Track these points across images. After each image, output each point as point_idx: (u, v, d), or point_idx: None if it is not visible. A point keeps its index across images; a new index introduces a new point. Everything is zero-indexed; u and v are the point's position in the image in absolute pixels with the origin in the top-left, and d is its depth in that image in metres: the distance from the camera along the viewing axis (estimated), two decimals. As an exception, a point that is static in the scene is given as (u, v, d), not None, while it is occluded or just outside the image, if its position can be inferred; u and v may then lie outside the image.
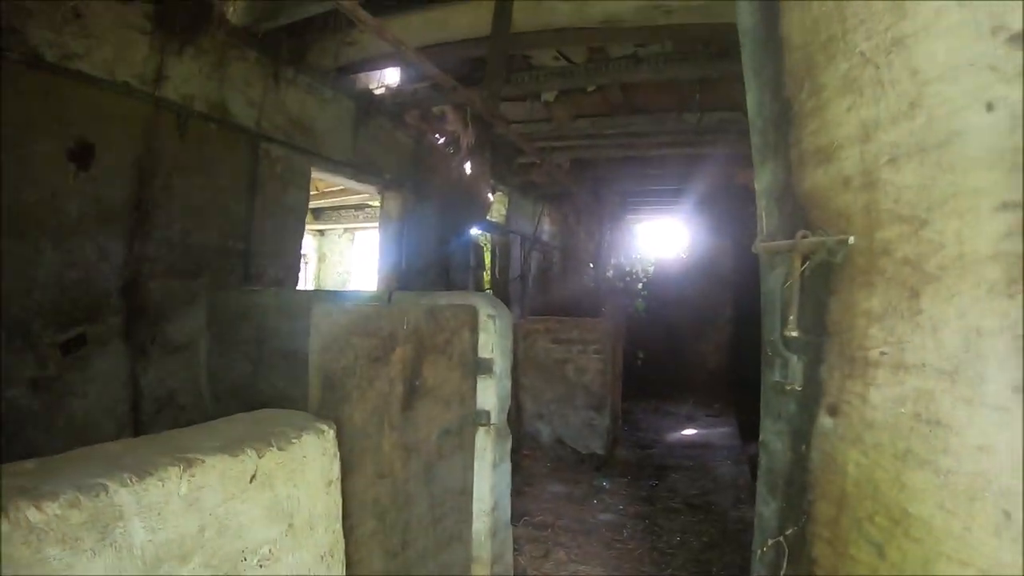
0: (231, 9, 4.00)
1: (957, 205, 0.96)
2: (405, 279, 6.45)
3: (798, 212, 1.28)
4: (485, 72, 5.03)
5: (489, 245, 10.13)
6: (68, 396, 3.40)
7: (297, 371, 3.24)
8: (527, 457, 5.89)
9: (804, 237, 1.19)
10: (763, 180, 1.42)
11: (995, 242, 0.90)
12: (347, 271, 13.38)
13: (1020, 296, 0.88)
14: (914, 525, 1.05)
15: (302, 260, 5.20)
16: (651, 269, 12.26)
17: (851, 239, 1.11)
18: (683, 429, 7.99)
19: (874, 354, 1.10)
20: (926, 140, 1.02)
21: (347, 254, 13.50)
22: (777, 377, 1.31)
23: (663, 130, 6.92)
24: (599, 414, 5.99)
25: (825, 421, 1.22)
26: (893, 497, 1.09)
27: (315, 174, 5.27)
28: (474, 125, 6.34)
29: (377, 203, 6.93)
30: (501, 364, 2.87)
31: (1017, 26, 0.89)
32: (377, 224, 6.87)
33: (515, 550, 3.37)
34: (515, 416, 5.87)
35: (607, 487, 5.42)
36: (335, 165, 5.44)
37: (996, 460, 0.92)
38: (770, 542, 1.47)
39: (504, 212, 9.79)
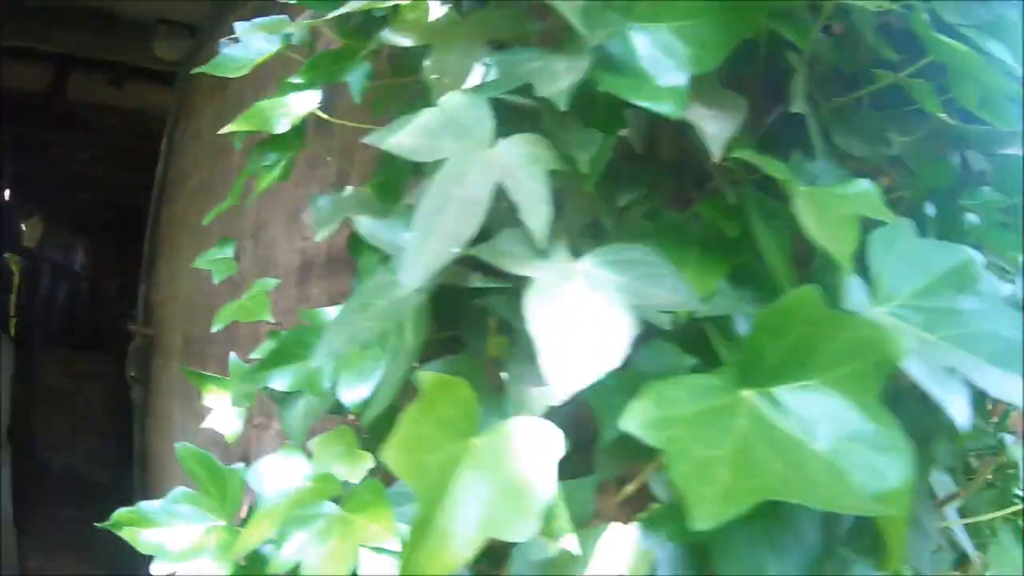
0: None
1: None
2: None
3: (148, 312, 2.51)
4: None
5: (19, 270, 9.62)
6: None
7: None
8: (39, 484, 6.10)
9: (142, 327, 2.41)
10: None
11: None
12: None
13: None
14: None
15: None
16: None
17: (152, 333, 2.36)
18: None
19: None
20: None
21: None
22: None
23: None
24: (108, 443, 6.51)
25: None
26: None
27: None
28: (16, 156, 6.40)
29: None
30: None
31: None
32: None
33: (27, 557, 3.94)
34: (28, 446, 6.00)
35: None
36: None
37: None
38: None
39: (38, 238, 9.45)
